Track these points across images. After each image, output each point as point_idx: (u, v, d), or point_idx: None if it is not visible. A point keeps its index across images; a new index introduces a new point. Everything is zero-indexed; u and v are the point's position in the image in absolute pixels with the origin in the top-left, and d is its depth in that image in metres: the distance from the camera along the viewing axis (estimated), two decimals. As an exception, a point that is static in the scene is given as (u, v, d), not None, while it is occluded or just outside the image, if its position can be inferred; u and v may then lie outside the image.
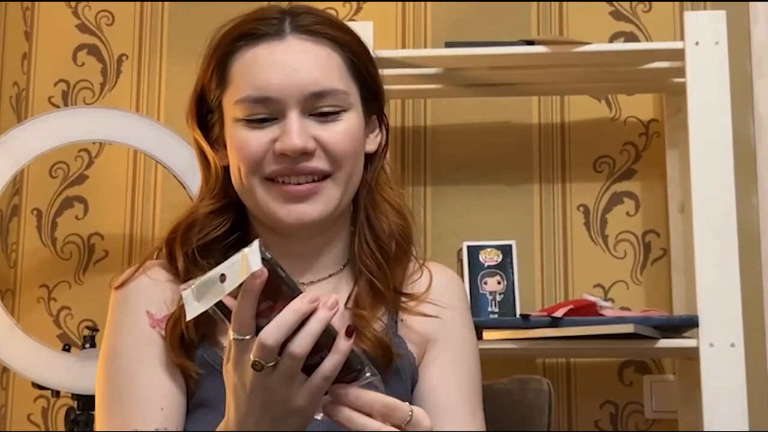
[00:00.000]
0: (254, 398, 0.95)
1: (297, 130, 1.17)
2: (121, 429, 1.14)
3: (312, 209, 1.19)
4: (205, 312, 0.95)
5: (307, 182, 1.19)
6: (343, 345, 0.95)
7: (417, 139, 2.34)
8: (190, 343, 1.18)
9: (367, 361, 0.99)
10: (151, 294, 1.22)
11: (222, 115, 1.24)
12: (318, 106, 1.20)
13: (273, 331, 0.92)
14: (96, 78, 2.47)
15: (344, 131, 1.20)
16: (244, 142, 1.19)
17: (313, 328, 0.93)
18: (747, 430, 1.88)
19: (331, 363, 0.94)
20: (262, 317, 0.93)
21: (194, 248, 1.22)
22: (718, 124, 1.97)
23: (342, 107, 1.21)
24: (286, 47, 1.21)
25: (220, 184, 1.25)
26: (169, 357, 1.17)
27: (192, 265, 1.21)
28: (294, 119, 1.18)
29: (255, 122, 1.20)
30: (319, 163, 1.19)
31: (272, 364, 0.93)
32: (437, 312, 1.23)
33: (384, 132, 1.30)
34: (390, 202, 1.26)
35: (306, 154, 1.18)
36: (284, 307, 0.93)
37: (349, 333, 0.95)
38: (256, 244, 0.92)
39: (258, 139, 1.19)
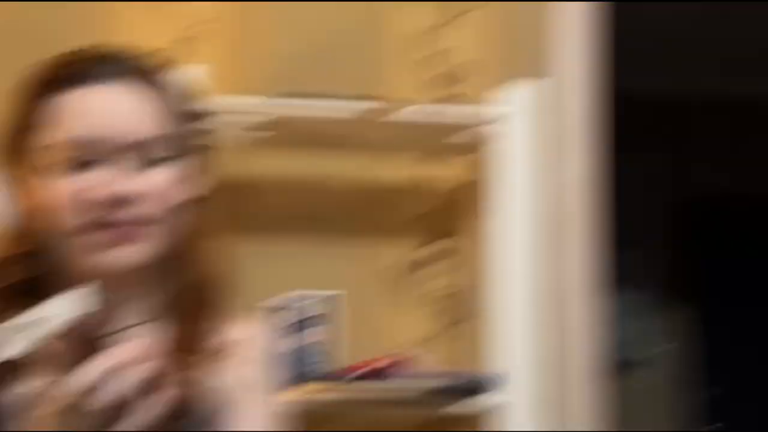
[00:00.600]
0: None
1: (115, 178, 1.16)
2: None
3: (128, 255, 1.17)
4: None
5: (128, 229, 1.16)
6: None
7: (244, 189, 2.32)
8: None
9: None
10: None
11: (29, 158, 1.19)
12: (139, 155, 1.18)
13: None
14: None
15: (163, 180, 1.19)
16: (61, 189, 1.16)
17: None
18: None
19: None
20: None
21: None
22: (522, 189, 2.07)
23: (162, 155, 1.19)
24: (102, 93, 1.18)
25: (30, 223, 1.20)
26: None
27: None
28: (111, 167, 1.16)
29: (72, 167, 1.16)
30: (142, 209, 1.17)
31: None
32: (238, 367, 1.24)
33: (204, 180, 1.28)
34: (200, 254, 1.25)
35: (132, 200, 1.16)
36: None
37: None
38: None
39: (73, 186, 1.16)
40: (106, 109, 1.18)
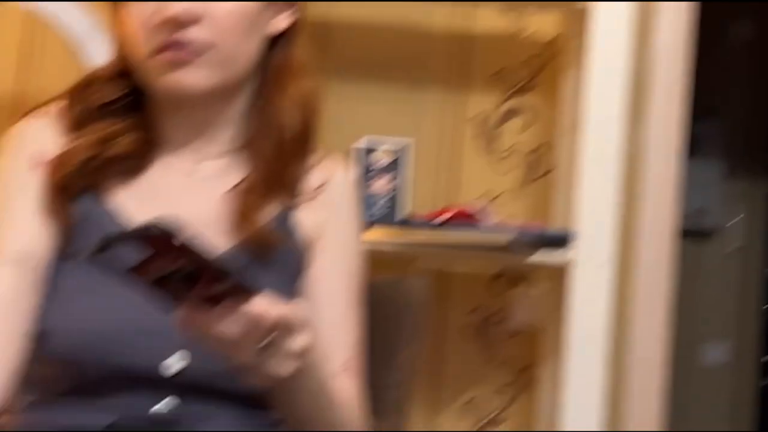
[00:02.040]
0: None
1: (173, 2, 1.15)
2: None
3: (191, 78, 1.17)
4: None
5: (186, 51, 1.16)
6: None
7: (321, 32, 2.32)
8: (70, 190, 1.17)
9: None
10: (40, 137, 1.21)
11: None
12: None
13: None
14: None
15: (233, 4, 1.18)
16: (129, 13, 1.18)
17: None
18: (604, 348, 1.97)
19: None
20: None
21: (90, 107, 1.21)
22: (617, 50, 2.03)
23: None
24: None
25: (122, 49, 1.22)
26: (44, 201, 1.17)
27: (85, 120, 1.20)
28: None
29: None
30: (200, 33, 1.16)
31: None
32: (328, 207, 1.25)
33: (294, 15, 1.27)
34: (293, 91, 1.24)
35: (186, 22, 1.16)
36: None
37: None
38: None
39: (141, 8, 1.17)
40: None
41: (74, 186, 1.17)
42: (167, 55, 1.16)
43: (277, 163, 1.23)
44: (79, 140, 1.19)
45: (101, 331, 1.05)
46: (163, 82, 1.18)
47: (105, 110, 1.21)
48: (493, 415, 2.30)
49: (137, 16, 1.17)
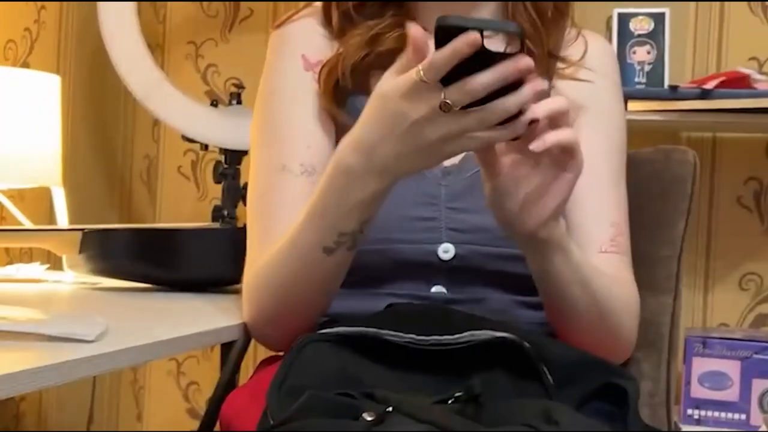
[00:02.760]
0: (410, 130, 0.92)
1: None
2: (271, 161, 1.17)
3: None
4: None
5: None
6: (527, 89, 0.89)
7: None
8: (343, 90, 1.19)
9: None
10: (307, 39, 1.23)
11: None
12: None
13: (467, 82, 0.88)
14: None
15: None
16: None
17: (509, 101, 0.89)
18: None
19: (509, 102, 0.89)
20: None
21: (350, 5, 1.22)
22: None
23: None
24: None
25: None
26: (320, 101, 1.19)
27: (347, 22, 1.22)
28: None
29: None
30: None
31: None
32: (591, 79, 1.21)
33: None
34: None
35: None
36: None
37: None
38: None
39: None
40: None
41: (347, 88, 1.19)
42: None
43: (534, 35, 1.20)
44: (348, 42, 1.20)
45: (382, 221, 1.06)
46: None
47: (366, 7, 1.22)
48: (772, 289, 2.20)
49: None
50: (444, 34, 0.88)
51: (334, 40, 1.23)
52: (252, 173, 1.20)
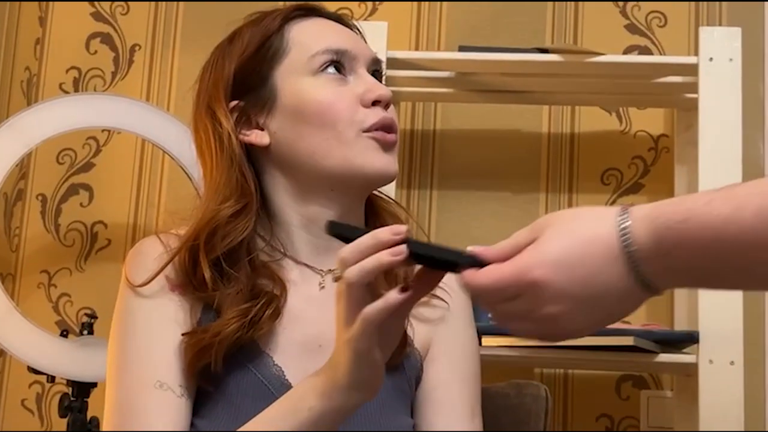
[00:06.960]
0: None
1: (377, 82, 1.22)
2: (142, 378, 1.12)
3: (394, 161, 1.21)
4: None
5: (393, 134, 1.21)
6: (392, 296, 0.92)
7: (426, 143, 2.34)
8: (215, 363, 1.14)
9: None
10: (162, 259, 1.19)
11: (274, 87, 1.22)
12: (374, 70, 1.25)
13: (349, 248, 0.92)
14: (108, 67, 2.47)
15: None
16: (336, 95, 1.19)
17: (372, 262, 0.91)
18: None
19: (373, 308, 0.92)
20: None
21: (219, 255, 1.17)
22: (728, 142, 1.95)
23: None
24: (331, 23, 1.28)
25: (241, 178, 1.20)
26: (184, 319, 1.16)
27: (218, 275, 1.17)
28: (368, 74, 1.23)
29: (333, 74, 1.21)
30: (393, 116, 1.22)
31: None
32: (442, 313, 1.23)
33: None
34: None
35: (388, 105, 1.21)
36: None
37: (402, 290, 0.92)
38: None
39: (347, 91, 1.20)
40: (343, 32, 1.26)
41: (218, 359, 1.13)
42: (378, 134, 1.19)
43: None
44: (220, 324, 1.14)
45: None
46: (381, 162, 1.19)
47: (234, 254, 1.18)
48: None
49: (345, 92, 1.20)
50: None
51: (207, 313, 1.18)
52: (112, 390, 1.14)
